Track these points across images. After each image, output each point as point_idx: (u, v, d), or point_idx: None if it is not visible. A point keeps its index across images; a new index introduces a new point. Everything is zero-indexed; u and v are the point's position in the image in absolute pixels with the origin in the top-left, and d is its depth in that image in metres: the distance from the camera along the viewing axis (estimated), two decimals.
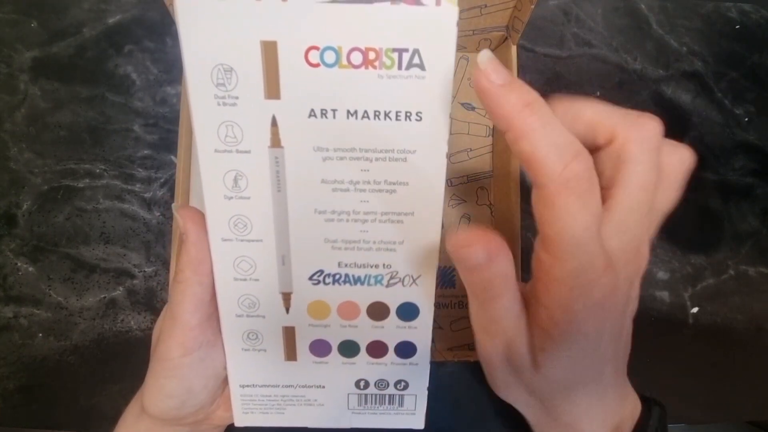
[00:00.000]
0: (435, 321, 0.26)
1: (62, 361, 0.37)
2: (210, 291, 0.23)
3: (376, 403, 0.27)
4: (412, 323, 0.25)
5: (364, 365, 0.26)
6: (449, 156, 0.40)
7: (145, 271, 0.38)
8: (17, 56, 0.41)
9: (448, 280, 0.39)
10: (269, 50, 0.20)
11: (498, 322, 0.21)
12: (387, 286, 0.24)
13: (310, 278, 0.24)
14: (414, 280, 0.24)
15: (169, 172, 0.40)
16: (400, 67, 0.20)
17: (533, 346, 0.21)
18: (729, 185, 0.44)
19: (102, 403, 0.37)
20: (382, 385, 0.26)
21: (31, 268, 0.38)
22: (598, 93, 0.44)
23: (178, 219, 0.22)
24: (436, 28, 0.19)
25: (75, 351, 0.37)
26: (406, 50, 0.20)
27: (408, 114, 0.21)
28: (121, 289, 0.38)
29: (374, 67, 0.20)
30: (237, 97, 0.20)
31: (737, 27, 0.47)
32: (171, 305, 0.23)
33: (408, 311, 0.25)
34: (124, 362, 0.37)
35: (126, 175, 0.39)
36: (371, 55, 0.20)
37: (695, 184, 0.44)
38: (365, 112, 0.21)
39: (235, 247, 0.23)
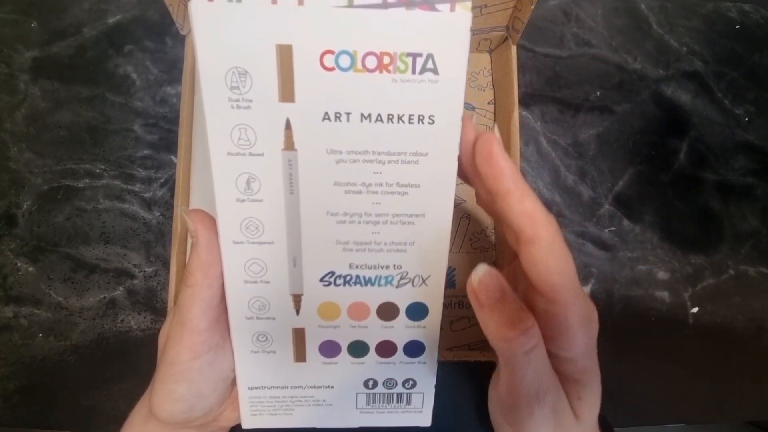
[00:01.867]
0: None
1: (62, 361, 0.37)
2: (219, 294, 0.23)
3: (384, 402, 0.27)
4: (421, 323, 0.25)
5: (372, 365, 0.26)
6: None
7: (145, 271, 0.38)
8: (17, 56, 0.41)
9: (448, 280, 0.39)
10: (284, 54, 0.20)
11: (543, 379, 0.21)
12: (397, 286, 0.24)
13: (321, 280, 0.24)
14: (423, 281, 0.24)
15: (169, 172, 0.40)
16: (413, 72, 0.20)
17: (570, 400, 0.22)
18: (729, 185, 0.44)
19: (102, 403, 0.37)
20: (390, 384, 0.26)
21: (31, 268, 0.38)
22: (598, 93, 0.44)
23: (188, 222, 0.22)
24: (450, 34, 0.20)
25: (75, 351, 0.37)
26: (420, 55, 0.20)
27: (421, 117, 0.21)
28: (121, 289, 0.38)
29: (388, 72, 0.20)
30: (251, 101, 0.20)
31: (737, 27, 0.47)
32: (180, 309, 0.23)
33: (417, 311, 0.25)
34: (124, 362, 0.37)
35: (126, 175, 0.39)
36: (386, 60, 0.20)
37: (695, 184, 0.44)
38: (378, 115, 0.21)
39: (246, 250, 0.23)
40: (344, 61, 0.20)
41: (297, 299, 0.24)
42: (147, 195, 0.39)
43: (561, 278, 0.19)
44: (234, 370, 0.25)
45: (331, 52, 0.20)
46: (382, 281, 0.24)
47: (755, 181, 0.44)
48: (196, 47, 0.19)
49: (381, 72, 0.20)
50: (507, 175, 0.19)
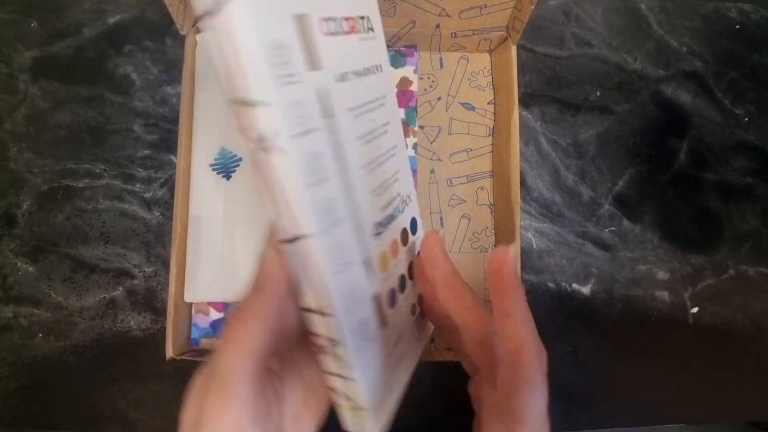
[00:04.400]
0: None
1: (62, 361, 0.37)
2: (274, 338, 0.20)
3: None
4: (418, 234, 0.28)
5: (411, 292, 0.28)
6: (449, 156, 0.41)
7: (145, 271, 0.38)
8: (17, 56, 0.41)
9: None
10: (304, 23, 0.20)
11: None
12: (402, 211, 0.27)
13: (373, 234, 0.23)
14: (410, 198, 0.28)
15: (169, 172, 0.40)
16: (365, 31, 0.25)
17: None
18: (729, 185, 0.44)
19: (102, 403, 0.37)
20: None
21: (31, 268, 0.38)
22: (598, 93, 0.44)
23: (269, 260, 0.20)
24: None
25: (75, 351, 0.37)
26: (365, 17, 0.24)
27: (376, 67, 0.25)
28: (121, 289, 0.38)
29: (356, 32, 0.24)
30: (293, 75, 0.19)
31: (737, 27, 0.47)
32: (217, 368, 0.19)
33: (414, 226, 0.28)
34: (124, 362, 0.37)
35: (126, 175, 0.39)
36: (352, 23, 0.24)
37: (695, 184, 0.44)
38: (363, 70, 0.24)
39: (329, 239, 0.20)
40: (335, 26, 0.22)
41: (368, 263, 0.23)
42: (147, 195, 0.39)
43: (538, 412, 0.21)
44: (297, 412, 0.22)
45: (327, 19, 0.22)
46: (397, 212, 0.26)
47: (755, 181, 0.44)
48: (235, 33, 0.17)
49: (352, 33, 0.24)
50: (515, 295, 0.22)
